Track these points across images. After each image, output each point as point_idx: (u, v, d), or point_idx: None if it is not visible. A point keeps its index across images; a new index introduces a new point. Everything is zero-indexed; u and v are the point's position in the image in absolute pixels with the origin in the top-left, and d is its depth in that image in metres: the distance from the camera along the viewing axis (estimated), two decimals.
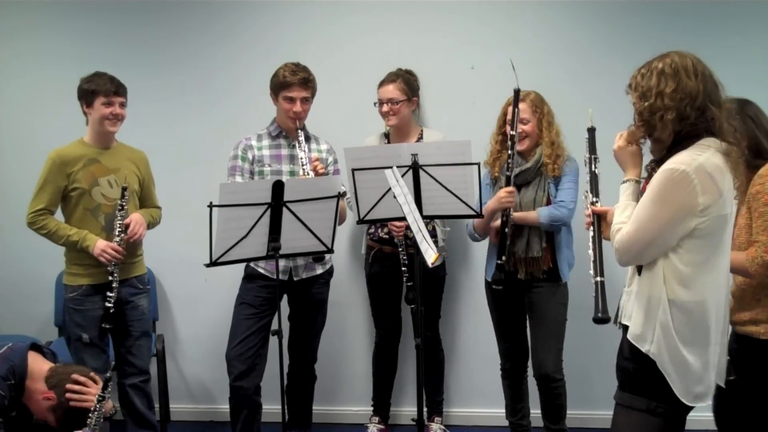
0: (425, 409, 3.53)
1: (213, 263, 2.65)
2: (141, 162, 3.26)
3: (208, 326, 3.91)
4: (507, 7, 3.70)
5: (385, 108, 3.43)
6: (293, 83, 3.12)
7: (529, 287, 3.11)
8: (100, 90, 3.05)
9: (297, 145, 3.15)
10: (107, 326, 3.07)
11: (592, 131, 2.33)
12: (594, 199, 2.22)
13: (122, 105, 3.12)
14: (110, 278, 3.05)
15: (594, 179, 2.25)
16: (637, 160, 2.16)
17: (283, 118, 3.21)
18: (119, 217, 3.06)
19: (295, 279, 3.24)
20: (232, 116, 3.79)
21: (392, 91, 3.43)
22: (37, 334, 3.85)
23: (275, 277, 2.94)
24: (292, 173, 3.18)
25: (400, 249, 3.32)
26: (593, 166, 2.26)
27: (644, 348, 2.02)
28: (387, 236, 3.47)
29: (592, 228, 2.20)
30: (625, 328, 2.11)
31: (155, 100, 3.80)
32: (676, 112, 1.97)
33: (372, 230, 3.54)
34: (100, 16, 3.84)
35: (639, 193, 2.11)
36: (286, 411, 3.02)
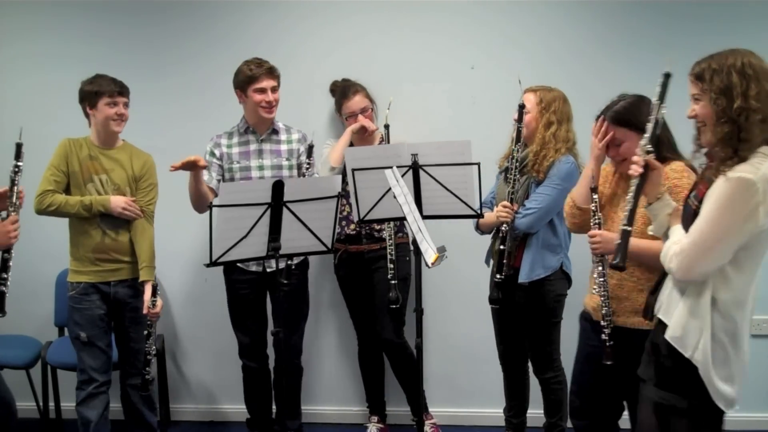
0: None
1: (213, 263, 2.65)
2: (138, 164, 3.23)
3: (208, 326, 3.91)
4: (507, 7, 3.70)
5: (362, 117, 3.46)
6: (261, 74, 3.24)
7: (515, 284, 3.07)
8: (104, 91, 3.08)
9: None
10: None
11: (667, 77, 2.22)
12: (650, 149, 2.19)
13: (126, 105, 3.15)
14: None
15: (656, 128, 2.20)
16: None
17: (254, 113, 3.30)
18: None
19: (268, 270, 3.30)
20: (232, 116, 3.76)
21: (362, 100, 3.51)
22: (37, 334, 3.87)
23: (248, 269, 3.30)
24: (261, 168, 3.30)
25: (389, 245, 3.31)
26: (658, 114, 2.19)
27: (687, 353, 2.02)
28: (354, 232, 3.49)
29: (637, 177, 2.19)
30: (662, 323, 2.12)
31: (156, 100, 3.80)
32: (762, 114, 1.96)
33: (338, 230, 3.51)
34: (102, 17, 3.84)
35: (692, 209, 2.10)
36: (279, 406, 3.06)
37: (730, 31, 3.53)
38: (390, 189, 2.66)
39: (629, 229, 2.17)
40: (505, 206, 2.98)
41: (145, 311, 3.10)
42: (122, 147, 3.23)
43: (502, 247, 2.98)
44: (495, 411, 3.58)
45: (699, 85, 2.06)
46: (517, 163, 2.97)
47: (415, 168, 2.77)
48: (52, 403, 3.78)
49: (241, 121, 3.38)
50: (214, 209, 2.59)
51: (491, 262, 3.23)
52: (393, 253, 3.33)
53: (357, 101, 3.50)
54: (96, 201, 3.10)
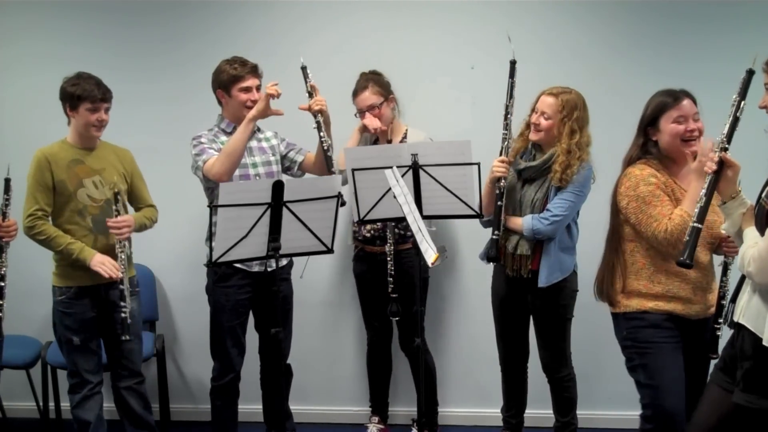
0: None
1: (213, 263, 2.65)
2: (126, 160, 3.24)
3: (208, 326, 3.90)
4: (507, 7, 3.70)
5: (367, 115, 3.40)
6: (246, 74, 3.19)
7: (530, 286, 3.09)
8: (86, 96, 3.00)
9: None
10: (127, 338, 3.06)
11: (750, 74, 2.23)
12: (726, 146, 2.18)
13: (107, 110, 3.08)
14: (121, 286, 3.04)
15: (734, 125, 2.20)
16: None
17: (238, 113, 3.19)
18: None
19: (269, 270, 3.21)
20: None
21: (369, 97, 3.41)
22: (36, 335, 3.87)
23: (251, 269, 3.16)
24: (255, 165, 3.22)
25: (388, 258, 3.31)
26: (738, 111, 2.20)
27: None
28: (369, 235, 3.48)
29: (711, 174, 2.19)
30: (743, 328, 2.12)
31: (156, 100, 3.80)
32: None
33: (356, 229, 3.52)
34: (101, 18, 3.84)
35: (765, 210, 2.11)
36: (272, 408, 3.02)
37: (730, 31, 3.55)
38: (390, 189, 2.66)
39: (699, 226, 2.17)
40: (502, 161, 2.98)
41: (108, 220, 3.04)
42: (103, 145, 3.20)
43: (499, 203, 2.97)
44: (494, 411, 3.58)
45: None
46: (511, 118, 3.00)
47: (415, 168, 2.77)
48: (52, 403, 3.78)
49: (222, 121, 3.28)
50: (215, 209, 2.60)
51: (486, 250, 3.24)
52: (392, 268, 3.31)
53: (363, 98, 3.42)
54: (78, 252, 3.00)
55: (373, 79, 3.44)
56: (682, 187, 2.61)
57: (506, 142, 3.01)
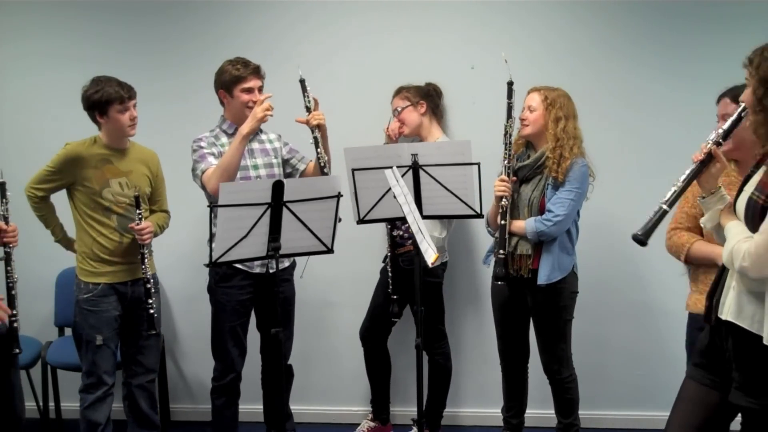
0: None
1: (213, 263, 2.65)
2: (152, 162, 3.27)
3: (208, 326, 3.89)
4: (507, 7, 3.70)
5: (394, 120, 3.48)
6: (248, 75, 3.19)
7: (529, 286, 3.09)
8: (114, 98, 3.01)
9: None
10: (154, 332, 3.15)
11: None
12: (721, 141, 2.16)
13: (135, 106, 3.11)
14: (148, 285, 3.10)
15: (735, 124, 2.17)
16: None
17: (240, 114, 3.18)
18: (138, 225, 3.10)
19: (270, 271, 3.19)
20: None
21: (395, 102, 3.51)
22: (37, 334, 3.86)
23: (251, 270, 3.15)
24: (256, 167, 3.22)
25: (384, 262, 3.29)
26: (743, 112, 2.15)
27: None
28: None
29: (697, 163, 2.16)
30: (732, 325, 2.06)
31: (157, 100, 3.78)
32: None
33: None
34: (100, 18, 3.84)
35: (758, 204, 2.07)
36: (272, 408, 2.99)
37: (730, 31, 3.54)
38: (390, 189, 2.66)
39: (666, 209, 2.14)
40: (503, 180, 3.01)
41: (132, 225, 3.08)
42: (132, 147, 3.22)
43: (503, 222, 3.00)
44: (494, 411, 3.58)
45: (748, 70, 2.04)
46: (511, 138, 3.04)
47: (415, 168, 2.77)
48: (52, 403, 3.78)
49: (224, 122, 3.27)
50: (215, 209, 2.59)
51: (492, 260, 3.24)
52: (390, 268, 3.31)
53: (392, 103, 3.52)
54: (57, 239, 3.21)
55: (407, 87, 3.53)
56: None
57: (507, 162, 3.03)
